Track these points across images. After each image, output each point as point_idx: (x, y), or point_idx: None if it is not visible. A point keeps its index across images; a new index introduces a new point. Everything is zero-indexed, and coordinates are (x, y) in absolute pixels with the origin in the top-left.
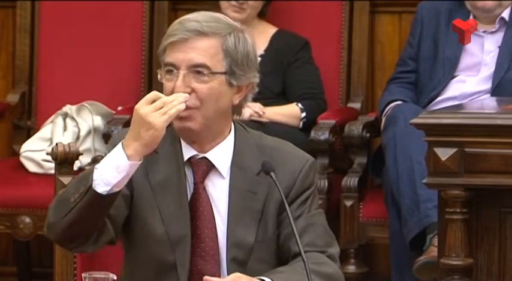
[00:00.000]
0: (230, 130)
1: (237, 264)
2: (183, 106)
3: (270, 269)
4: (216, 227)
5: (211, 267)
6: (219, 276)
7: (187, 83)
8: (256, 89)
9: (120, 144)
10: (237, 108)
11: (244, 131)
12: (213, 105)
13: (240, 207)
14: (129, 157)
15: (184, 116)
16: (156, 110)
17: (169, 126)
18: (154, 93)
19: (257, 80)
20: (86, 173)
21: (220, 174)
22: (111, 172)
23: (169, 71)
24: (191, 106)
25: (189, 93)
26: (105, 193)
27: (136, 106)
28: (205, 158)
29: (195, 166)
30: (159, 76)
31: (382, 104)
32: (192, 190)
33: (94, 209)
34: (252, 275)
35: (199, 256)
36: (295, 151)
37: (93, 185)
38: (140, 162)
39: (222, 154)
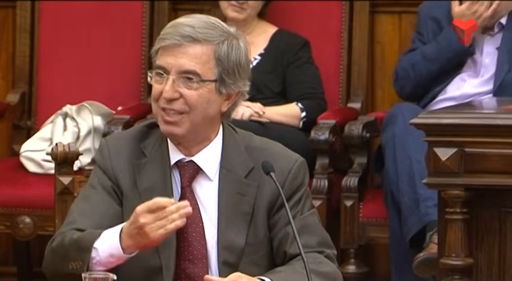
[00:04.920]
0: (217, 133)
1: (229, 267)
2: (183, 222)
3: (262, 272)
4: (204, 230)
5: (199, 270)
6: None
7: (176, 88)
8: (247, 96)
9: (118, 232)
10: (226, 115)
11: (233, 133)
12: (202, 111)
13: (230, 210)
14: (124, 250)
15: (172, 120)
16: (156, 220)
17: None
18: (157, 202)
19: (247, 88)
20: (86, 244)
21: (207, 177)
22: (107, 257)
23: (159, 74)
24: (180, 111)
25: (177, 99)
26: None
27: (138, 210)
28: (192, 161)
29: (182, 170)
30: (149, 78)
31: (404, 61)
32: (180, 194)
33: None
34: None
35: (187, 259)
36: (283, 151)
37: (90, 265)
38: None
39: (209, 157)
